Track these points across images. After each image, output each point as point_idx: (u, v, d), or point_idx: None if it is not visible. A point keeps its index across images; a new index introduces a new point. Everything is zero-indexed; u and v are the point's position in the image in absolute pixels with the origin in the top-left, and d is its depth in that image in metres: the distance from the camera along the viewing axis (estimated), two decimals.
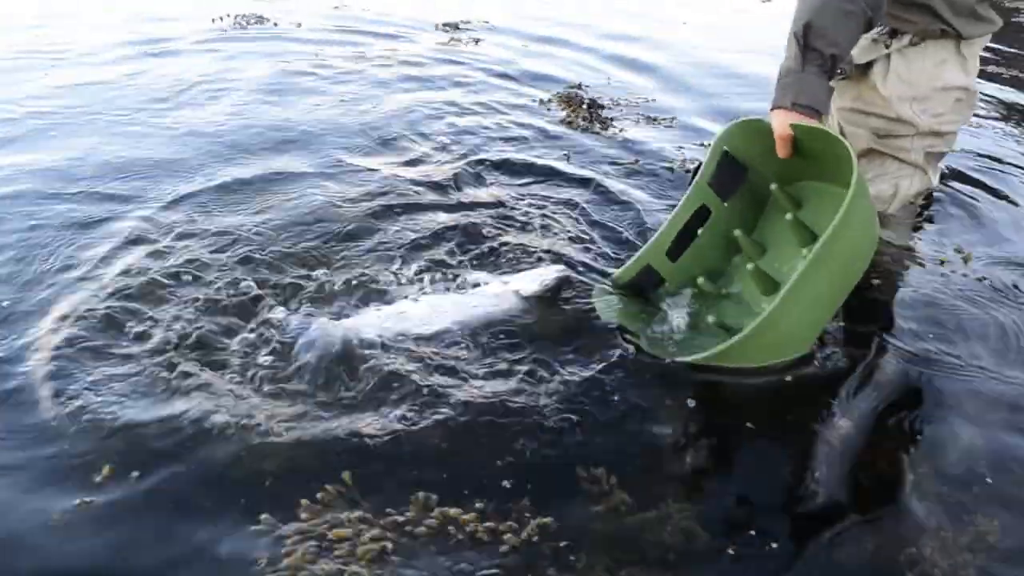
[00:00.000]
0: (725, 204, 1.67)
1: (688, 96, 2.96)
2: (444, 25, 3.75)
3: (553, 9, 4.24)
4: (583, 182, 2.13)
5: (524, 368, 1.41)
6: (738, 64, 3.38)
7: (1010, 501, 1.23)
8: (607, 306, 1.63)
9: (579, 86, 2.94)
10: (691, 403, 1.38)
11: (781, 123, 1.50)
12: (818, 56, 1.53)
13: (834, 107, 1.94)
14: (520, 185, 2.11)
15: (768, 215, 1.67)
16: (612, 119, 2.63)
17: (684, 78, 3.17)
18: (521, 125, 2.54)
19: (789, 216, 1.55)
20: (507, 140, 2.42)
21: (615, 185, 2.13)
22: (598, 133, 2.51)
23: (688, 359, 1.41)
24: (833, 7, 1.53)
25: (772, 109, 1.52)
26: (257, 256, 1.70)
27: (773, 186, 1.61)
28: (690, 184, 1.66)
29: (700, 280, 1.61)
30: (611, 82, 3.07)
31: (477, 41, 3.53)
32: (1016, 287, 1.76)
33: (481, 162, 2.22)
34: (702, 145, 2.43)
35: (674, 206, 1.68)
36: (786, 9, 1.64)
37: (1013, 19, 4.41)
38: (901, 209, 1.97)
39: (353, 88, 2.86)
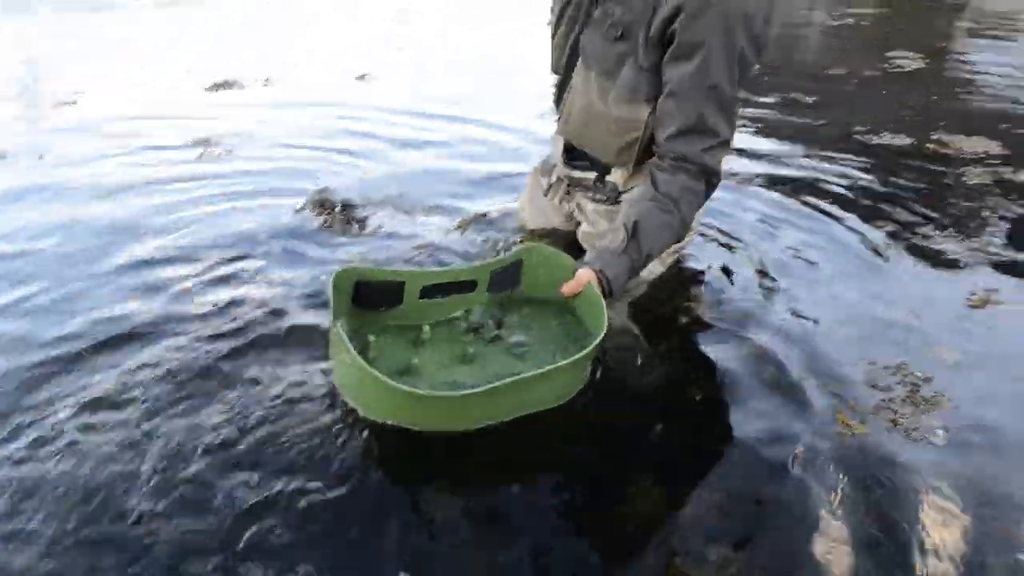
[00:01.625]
0: (487, 293, 1.95)
1: (436, 185, 3.26)
2: (195, 141, 3.85)
3: (298, 119, 4.45)
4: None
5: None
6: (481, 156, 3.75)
7: None
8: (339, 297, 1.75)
9: (324, 189, 3.15)
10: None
11: (586, 274, 1.82)
12: (637, 250, 1.87)
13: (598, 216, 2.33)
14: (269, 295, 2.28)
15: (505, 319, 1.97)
16: (367, 217, 2.87)
17: (433, 168, 3.48)
18: (278, 232, 2.71)
19: (508, 344, 1.86)
20: (264, 252, 2.59)
21: None
22: (358, 234, 2.73)
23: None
24: (657, 218, 1.90)
25: (586, 264, 1.85)
26: None
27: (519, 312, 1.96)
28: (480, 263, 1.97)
29: (426, 328, 1.85)
30: (363, 180, 3.33)
31: (229, 151, 3.67)
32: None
33: (225, 278, 2.39)
34: (456, 228, 2.72)
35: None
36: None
37: None
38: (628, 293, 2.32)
39: (94, 205, 2.92)
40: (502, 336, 1.89)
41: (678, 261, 2.49)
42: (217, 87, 5.08)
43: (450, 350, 1.82)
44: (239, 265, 2.46)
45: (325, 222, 2.82)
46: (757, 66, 1.99)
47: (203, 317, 2.13)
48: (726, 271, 2.46)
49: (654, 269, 2.35)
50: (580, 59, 2.18)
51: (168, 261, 2.49)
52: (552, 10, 2.26)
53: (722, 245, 2.66)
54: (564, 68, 2.27)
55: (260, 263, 2.47)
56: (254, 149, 3.74)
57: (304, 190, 3.14)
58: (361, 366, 1.49)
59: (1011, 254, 2.66)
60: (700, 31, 1.85)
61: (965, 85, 5.67)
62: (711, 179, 1.98)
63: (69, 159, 3.55)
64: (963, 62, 6.87)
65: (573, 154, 2.38)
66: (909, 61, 6.25)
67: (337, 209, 2.93)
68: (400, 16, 8.17)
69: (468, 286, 1.93)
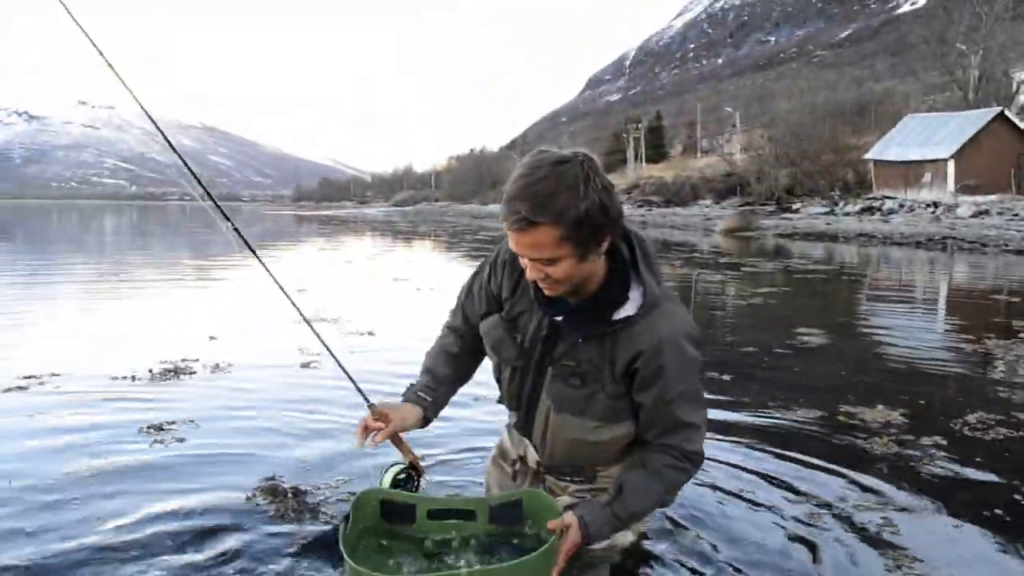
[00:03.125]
0: (489, 524, 2.26)
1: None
2: (148, 427, 3.95)
3: (246, 404, 4.61)
4: None
5: None
6: None
7: None
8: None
9: (274, 477, 3.24)
10: None
11: (569, 518, 2.11)
12: (621, 507, 2.16)
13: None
14: None
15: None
16: (319, 503, 2.96)
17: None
18: (232, 523, 2.78)
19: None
20: (225, 546, 2.63)
21: None
22: (309, 520, 2.81)
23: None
24: (642, 483, 2.18)
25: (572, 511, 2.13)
26: None
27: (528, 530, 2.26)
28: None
29: (427, 542, 2.21)
30: (308, 464, 3.45)
31: (182, 439, 3.77)
32: None
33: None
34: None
35: None
36: None
37: None
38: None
39: None
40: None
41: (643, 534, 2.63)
42: (168, 373, 5.24)
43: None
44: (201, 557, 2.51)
45: (278, 510, 2.90)
46: None
47: None
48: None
49: (624, 537, 2.41)
50: (548, 405, 2.34)
51: (125, 555, 2.52)
52: (497, 365, 2.44)
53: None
54: (524, 408, 2.42)
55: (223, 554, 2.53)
56: (205, 436, 3.85)
57: (246, 479, 3.23)
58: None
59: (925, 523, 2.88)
60: (658, 363, 2.13)
61: (867, 356, 6.20)
62: (692, 458, 2.23)
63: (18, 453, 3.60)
64: (864, 333, 7.51)
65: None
66: (814, 337, 6.82)
67: (289, 496, 3.02)
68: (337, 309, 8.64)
69: (468, 514, 2.28)
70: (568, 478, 2.44)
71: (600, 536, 2.14)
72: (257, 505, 2.97)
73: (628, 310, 2.12)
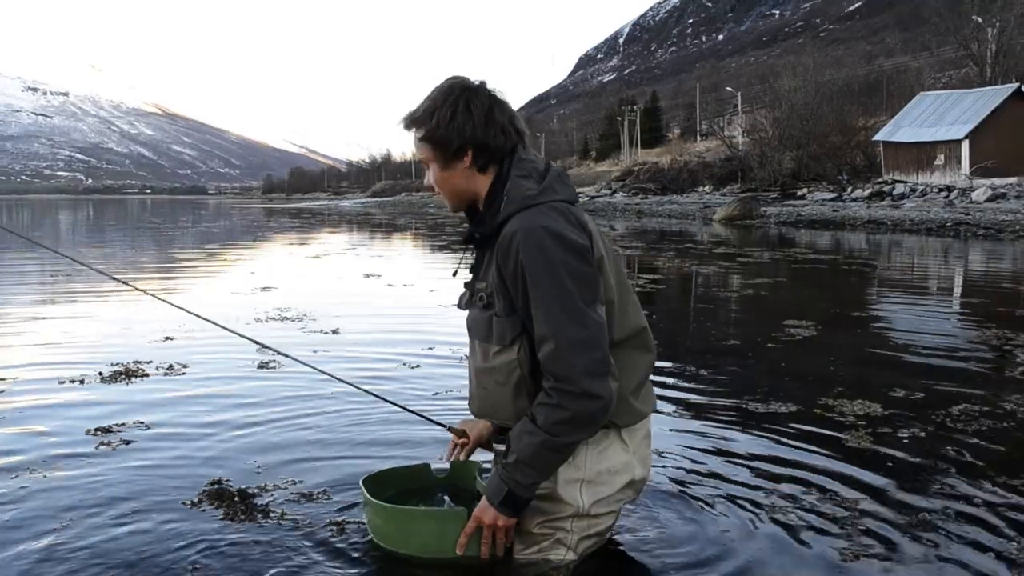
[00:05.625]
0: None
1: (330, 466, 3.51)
2: (94, 430, 4.06)
3: (195, 407, 4.72)
4: None
5: None
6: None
7: None
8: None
9: (220, 480, 3.36)
10: None
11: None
12: (509, 460, 2.31)
13: None
14: None
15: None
16: (267, 505, 3.09)
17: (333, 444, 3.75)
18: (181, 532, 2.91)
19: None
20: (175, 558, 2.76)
21: None
22: (260, 523, 2.93)
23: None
24: (518, 431, 2.31)
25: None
26: None
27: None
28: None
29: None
30: (258, 466, 3.57)
31: (128, 442, 3.89)
32: None
33: None
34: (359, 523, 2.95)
35: None
36: None
37: None
38: None
39: None
40: None
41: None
42: (119, 376, 5.34)
43: None
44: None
45: (225, 515, 3.01)
46: (591, 267, 2.26)
47: None
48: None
49: (559, 553, 2.43)
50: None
51: (71, 563, 2.65)
52: None
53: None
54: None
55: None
56: (152, 439, 3.96)
57: (195, 482, 3.34)
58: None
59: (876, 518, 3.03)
60: (514, 256, 2.24)
61: (857, 349, 6.36)
62: (561, 384, 2.20)
63: None
64: (857, 326, 7.67)
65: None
66: (803, 330, 6.97)
67: (235, 499, 3.13)
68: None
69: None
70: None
71: (494, 496, 2.32)
72: (203, 510, 3.08)
73: (501, 214, 2.33)
